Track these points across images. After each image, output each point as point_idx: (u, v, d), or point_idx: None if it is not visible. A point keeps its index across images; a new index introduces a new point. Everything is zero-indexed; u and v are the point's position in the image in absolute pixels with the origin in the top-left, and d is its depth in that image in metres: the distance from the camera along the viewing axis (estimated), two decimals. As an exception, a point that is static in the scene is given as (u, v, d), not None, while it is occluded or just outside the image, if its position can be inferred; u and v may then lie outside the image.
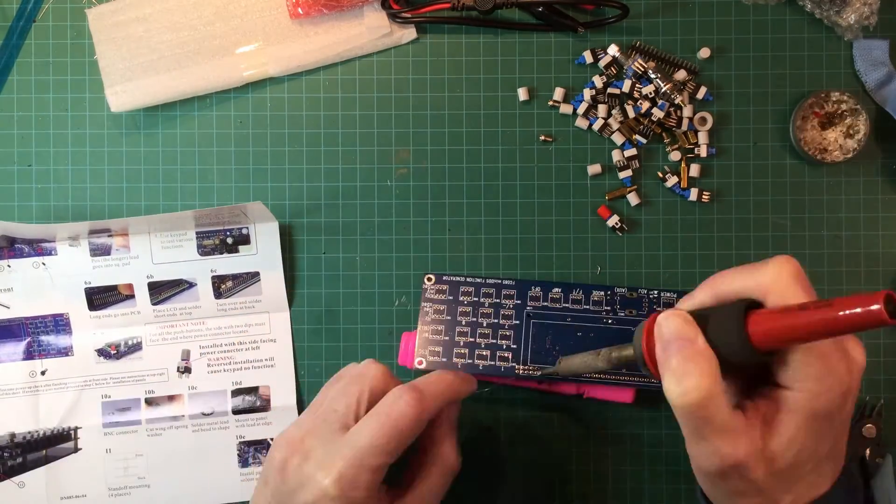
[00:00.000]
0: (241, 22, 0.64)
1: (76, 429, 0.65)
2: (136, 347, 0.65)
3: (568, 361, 0.54)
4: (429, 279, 0.63)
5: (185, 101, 0.65)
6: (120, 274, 0.65)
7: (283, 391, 0.65)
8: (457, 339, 0.63)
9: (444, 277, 0.63)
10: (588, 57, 0.64)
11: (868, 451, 0.63)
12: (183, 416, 0.65)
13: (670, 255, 0.65)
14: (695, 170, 0.64)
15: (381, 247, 0.65)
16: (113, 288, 0.65)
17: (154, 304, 0.65)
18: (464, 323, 0.63)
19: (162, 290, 0.65)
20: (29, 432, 0.65)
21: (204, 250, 0.65)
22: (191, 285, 0.65)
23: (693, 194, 0.64)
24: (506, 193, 0.65)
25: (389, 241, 0.65)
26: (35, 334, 0.65)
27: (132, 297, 0.65)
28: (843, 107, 0.63)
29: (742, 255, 0.64)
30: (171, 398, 0.65)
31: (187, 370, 0.65)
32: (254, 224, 0.64)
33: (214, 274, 0.65)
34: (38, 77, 0.65)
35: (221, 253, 0.65)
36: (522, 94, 0.65)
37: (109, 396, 0.65)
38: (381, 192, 0.65)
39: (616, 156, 0.64)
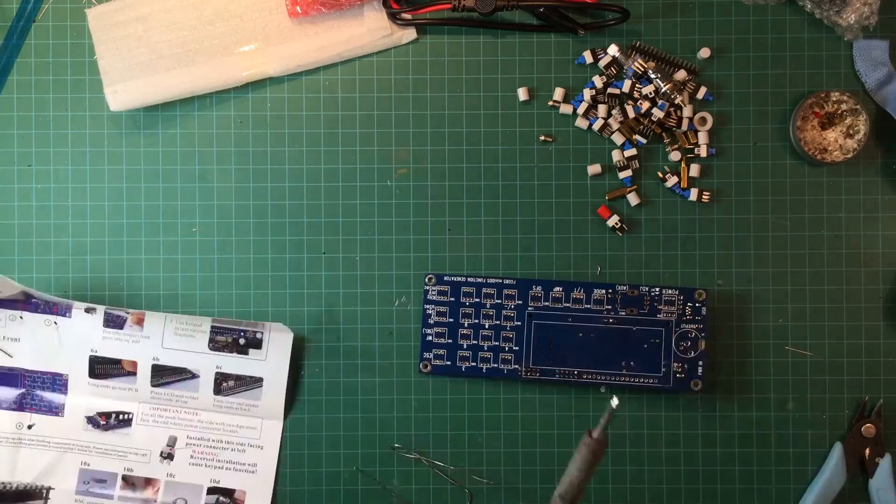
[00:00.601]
0: (240, 22, 0.64)
1: (49, 489, 0.65)
2: (125, 423, 0.65)
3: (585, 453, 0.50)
4: (429, 279, 0.63)
5: (185, 101, 0.65)
6: (127, 350, 0.64)
7: (258, 501, 0.65)
8: (460, 341, 0.63)
9: (445, 278, 0.63)
10: (588, 57, 0.64)
11: (867, 451, 0.64)
12: (155, 501, 0.65)
13: (670, 255, 0.65)
14: (695, 170, 0.64)
15: (381, 247, 0.65)
16: (117, 362, 0.65)
17: (154, 385, 0.64)
18: (466, 325, 0.63)
19: (164, 374, 0.64)
20: (3, 483, 0.64)
21: (215, 345, 0.64)
22: (194, 376, 0.65)
23: (693, 194, 0.64)
24: (506, 193, 0.65)
25: (389, 241, 0.65)
26: (31, 387, 0.65)
27: (134, 374, 0.65)
28: (843, 107, 0.63)
29: (743, 256, 0.65)
30: (147, 481, 0.65)
31: (170, 456, 0.65)
32: (269, 331, 0.64)
33: (219, 370, 0.64)
34: (38, 77, 0.65)
35: (231, 352, 0.64)
36: (522, 94, 0.65)
37: (88, 465, 0.65)
38: (382, 192, 0.65)
39: (616, 156, 0.64)
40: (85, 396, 0.65)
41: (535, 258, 0.65)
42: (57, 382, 0.65)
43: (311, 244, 0.65)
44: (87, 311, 0.64)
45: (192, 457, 0.65)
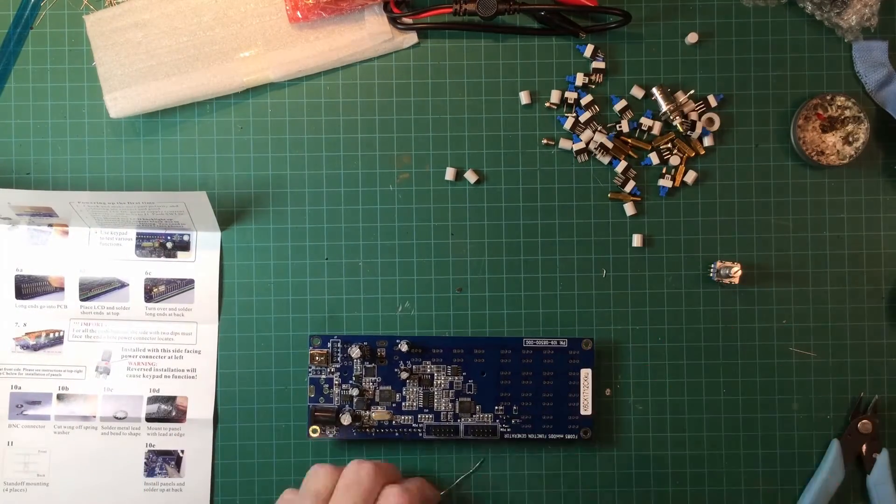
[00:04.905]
0: (240, 27, 0.64)
1: None
2: (56, 341, 0.64)
3: None
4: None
5: (185, 107, 0.65)
6: (54, 265, 0.64)
7: (200, 404, 0.64)
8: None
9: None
10: (588, 50, 0.64)
11: (864, 447, 0.64)
12: (94, 416, 0.64)
13: (674, 256, 0.65)
14: (690, 177, 0.64)
15: (384, 252, 0.65)
16: (44, 279, 0.64)
17: (83, 299, 0.64)
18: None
19: (92, 287, 0.64)
20: None
21: (142, 252, 0.64)
22: (122, 285, 0.64)
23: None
24: (508, 197, 0.65)
25: (392, 245, 0.65)
26: None
27: (62, 290, 0.64)
28: (847, 113, 0.63)
29: (746, 257, 0.65)
30: (84, 397, 0.64)
31: (106, 371, 0.64)
32: (196, 231, 0.64)
33: (148, 276, 0.64)
34: (36, 84, 0.65)
35: (159, 256, 0.64)
36: (524, 97, 0.64)
37: (20, 388, 0.64)
38: (384, 197, 0.65)
39: (617, 170, 0.64)
40: (12, 319, 0.64)
41: (539, 262, 0.65)
42: None
43: (314, 250, 0.65)
44: (11, 226, 0.63)
45: (128, 369, 0.64)
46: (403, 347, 0.62)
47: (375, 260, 0.65)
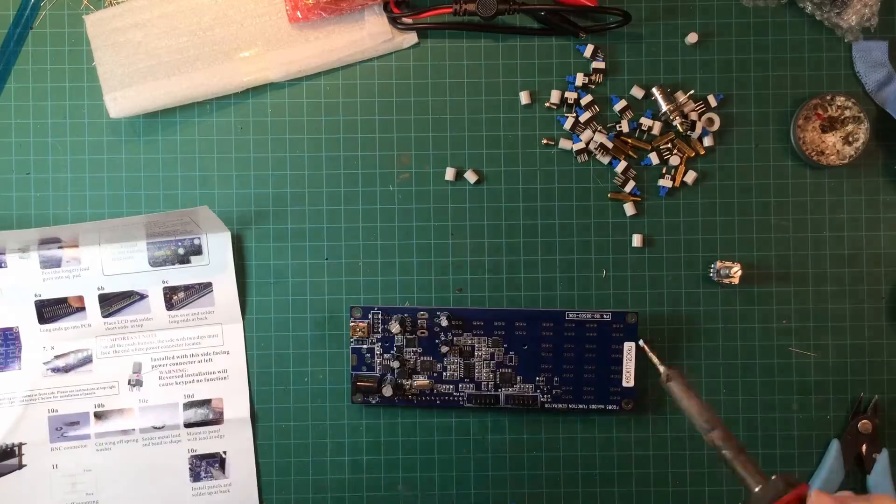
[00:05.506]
0: (240, 27, 0.64)
1: (20, 445, 0.64)
2: (86, 360, 0.64)
3: (678, 387, 0.51)
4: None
5: (185, 107, 0.65)
6: (70, 286, 0.64)
7: (236, 404, 0.65)
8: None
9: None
10: (588, 50, 0.64)
11: (864, 447, 0.64)
12: (133, 429, 0.64)
13: (673, 256, 0.65)
14: (690, 177, 0.64)
15: (384, 252, 0.65)
16: (63, 300, 0.64)
17: (105, 316, 0.64)
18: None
19: (113, 303, 0.64)
20: None
21: (155, 261, 0.64)
22: (142, 297, 0.64)
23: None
24: (508, 197, 0.65)
25: (392, 245, 0.65)
26: None
27: (83, 309, 0.64)
28: (847, 113, 0.63)
29: (746, 258, 0.65)
30: (121, 412, 0.64)
31: (138, 383, 0.64)
32: (206, 234, 0.64)
33: (166, 285, 0.64)
34: (36, 84, 0.65)
35: (173, 264, 0.64)
36: (524, 97, 0.64)
37: (56, 411, 0.64)
38: (384, 197, 0.65)
39: (617, 170, 0.64)
40: (39, 344, 0.64)
41: (539, 262, 0.65)
42: (9, 337, 0.64)
43: (314, 250, 0.65)
44: (21, 256, 0.63)
45: (160, 378, 0.65)
46: (444, 322, 0.63)
47: (375, 260, 0.65)
